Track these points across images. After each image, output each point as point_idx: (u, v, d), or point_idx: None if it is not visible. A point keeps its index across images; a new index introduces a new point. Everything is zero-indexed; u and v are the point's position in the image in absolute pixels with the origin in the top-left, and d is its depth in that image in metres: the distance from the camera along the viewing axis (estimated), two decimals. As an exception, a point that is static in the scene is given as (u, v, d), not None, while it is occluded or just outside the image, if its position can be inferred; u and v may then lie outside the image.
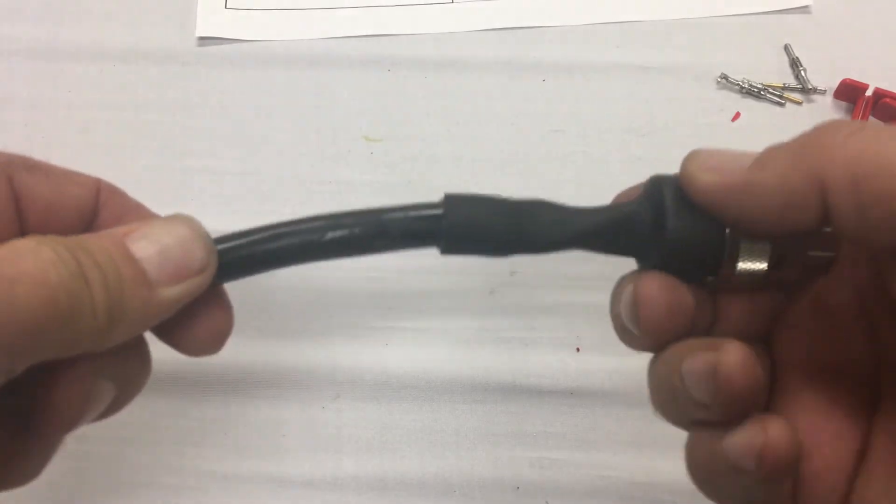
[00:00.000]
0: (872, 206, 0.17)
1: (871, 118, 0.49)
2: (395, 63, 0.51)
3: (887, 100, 0.48)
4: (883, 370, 0.22)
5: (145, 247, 0.21)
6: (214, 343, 0.24)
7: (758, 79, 0.50)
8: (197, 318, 0.23)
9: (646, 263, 0.24)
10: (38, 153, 0.47)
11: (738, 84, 0.50)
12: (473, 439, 0.40)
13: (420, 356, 0.42)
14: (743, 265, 0.22)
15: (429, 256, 0.45)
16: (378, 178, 0.47)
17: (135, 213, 0.27)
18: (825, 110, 0.50)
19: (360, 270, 0.44)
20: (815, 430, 0.22)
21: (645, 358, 0.24)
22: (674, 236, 0.21)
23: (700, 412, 0.21)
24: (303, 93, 0.50)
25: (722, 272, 0.22)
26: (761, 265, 0.22)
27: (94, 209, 0.25)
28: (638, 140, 0.49)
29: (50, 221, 0.24)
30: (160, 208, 0.46)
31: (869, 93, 0.49)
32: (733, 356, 0.20)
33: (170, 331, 0.23)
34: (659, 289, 0.21)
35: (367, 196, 0.46)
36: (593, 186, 0.47)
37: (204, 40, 0.51)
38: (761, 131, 0.49)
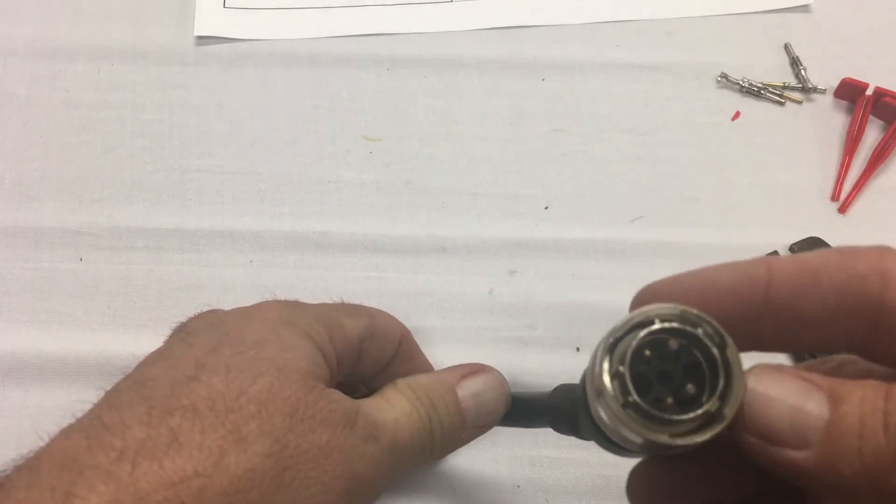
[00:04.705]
0: None
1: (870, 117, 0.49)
2: (394, 62, 0.51)
3: (887, 98, 0.48)
4: None
5: (468, 397, 0.30)
6: None
7: (758, 78, 0.50)
8: None
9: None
10: (37, 153, 0.47)
11: (738, 83, 0.50)
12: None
13: (420, 356, 0.42)
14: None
15: (428, 256, 0.45)
16: (377, 177, 0.47)
17: (419, 356, 0.36)
18: (825, 109, 0.50)
19: (360, 270, 0.44)
20: None
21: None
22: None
23: None
24: (302, 92, 0.50)
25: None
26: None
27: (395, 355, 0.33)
28: (638, 139, 0.48)
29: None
30: (160, 207, 0.46)
31: (869, 92, 0.49)
32: None
33: None
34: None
35: (366, 195, 0.46)
36: (593, 186, 0.47)
37: (202, 39, 0.51)
38: (761, 130, 0.49)
